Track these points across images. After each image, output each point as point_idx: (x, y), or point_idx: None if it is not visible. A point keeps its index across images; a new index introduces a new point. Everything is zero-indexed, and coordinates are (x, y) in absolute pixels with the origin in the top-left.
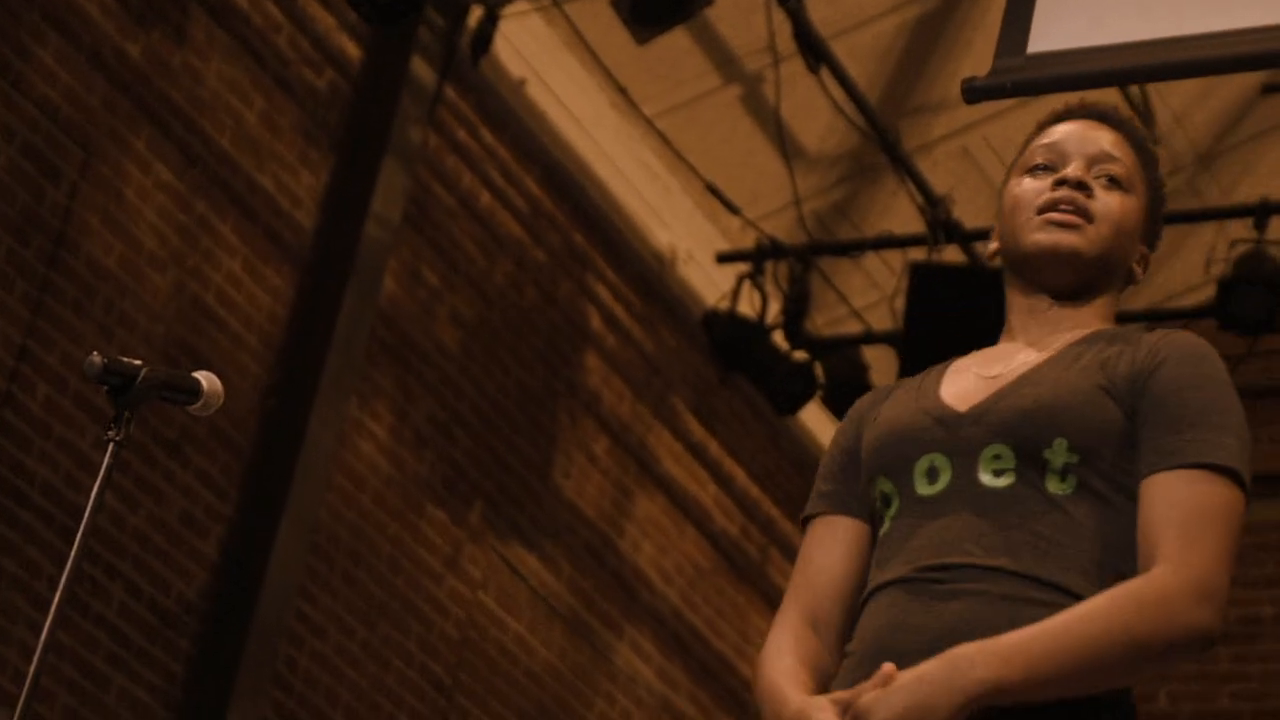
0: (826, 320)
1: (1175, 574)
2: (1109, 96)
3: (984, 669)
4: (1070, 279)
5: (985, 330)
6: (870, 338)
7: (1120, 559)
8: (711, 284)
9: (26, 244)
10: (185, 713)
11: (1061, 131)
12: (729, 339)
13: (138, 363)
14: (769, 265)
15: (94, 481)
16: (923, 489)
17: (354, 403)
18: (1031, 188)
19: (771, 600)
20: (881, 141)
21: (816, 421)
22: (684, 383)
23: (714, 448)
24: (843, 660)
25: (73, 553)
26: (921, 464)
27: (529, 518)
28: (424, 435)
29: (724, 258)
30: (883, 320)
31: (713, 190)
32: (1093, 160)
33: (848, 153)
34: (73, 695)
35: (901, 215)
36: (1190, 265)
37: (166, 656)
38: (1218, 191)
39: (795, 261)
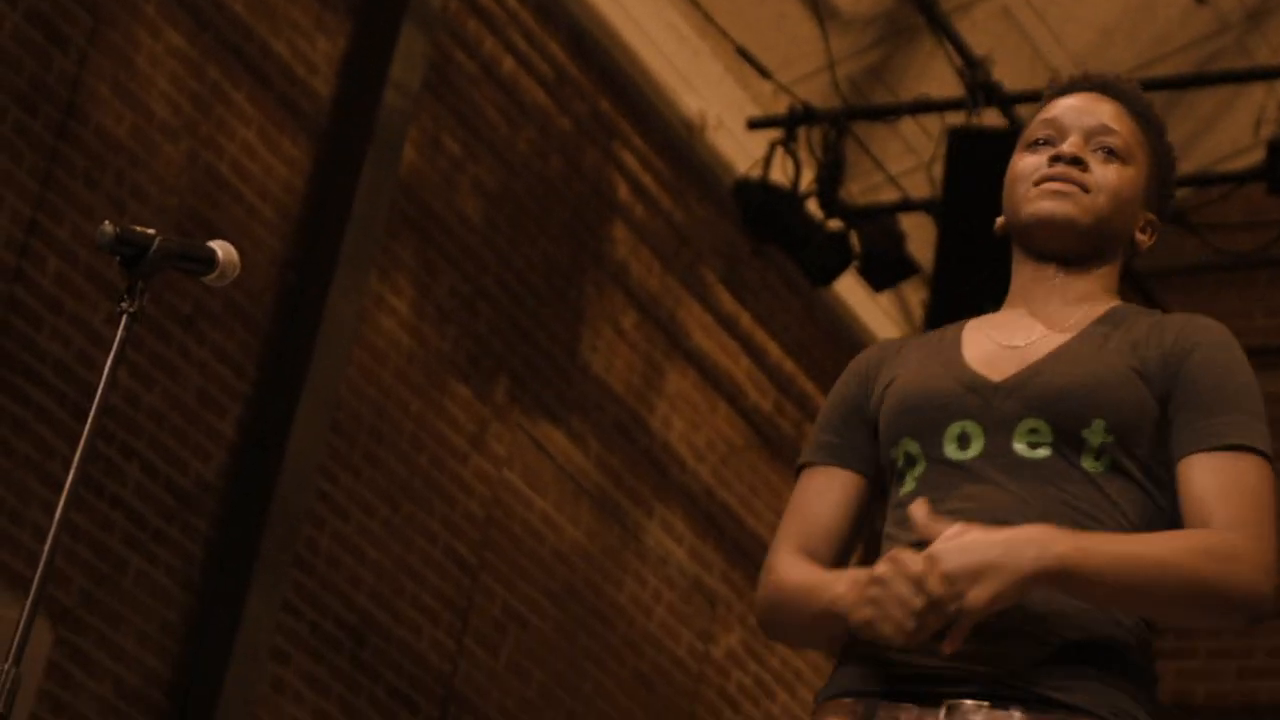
0: (862, 188)
1: (1243, 539)
2: None
3: (1059, 549)
4: (1069, 246)
5: None
6: (907, 205)
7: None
8: (742, 151)
9: (34, 114)
10: (204, 596)
11: (1061, 106)
12: (761, 208)
13: (151, 232)
14: (802, 131)
15: (107, 358)
16: (953, 453)
17: (374, 276)
18: (1030, 162)
19: None
20: (918, 1)
21: (852, 293)
22: (714, 253)
23: (746, 320)
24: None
25: (86, 431)
26: (953, 429)
27: (555, 394)
28: (447, 309)
29: (755, 124)
30: (920, 187)
31: (743, 54)
32: (1090, 133)
33: (883, 13)
34: (88, 578)
35: (939, 78)
36: (1239, 127)
37: (184, 538)
38: (1267, 50)
39: (829, 127)
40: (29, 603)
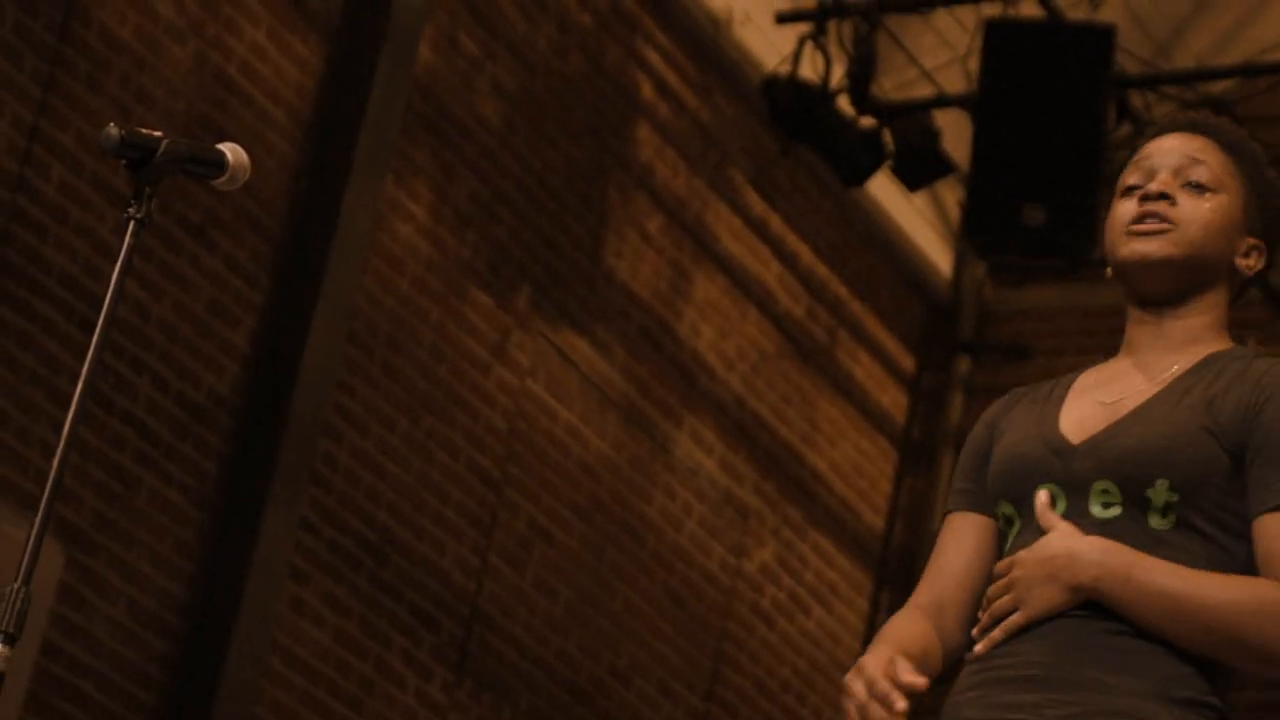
0: (895, 83)
1: None
2: None
3: (1095, 571)
4: (1164, 284)
5: (1066, 92)
6: (942, 101)
7: None
8: (771, 46)
9: (35, 15)
10: (219, 513)
11: (1150, 149)
12: (790, 106)
13: (158, 134)
14: (832, 25)
15: (114, 269)
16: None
17: (390, 181)
18: (1124, 208)
19: (839, 385)
20: None
21: (886, 193)
22: (743, 154)
23: (776, 223)
24: (967, 654)
25: (94, 345)
26: (1039, 492)
27: (579, 301)
28: (466, 215)
29: (784, 18)
30: (955, 82)
31: None
32: (1177, 170)
33: None
34: (100, 497)
35: None
36: None
37: (198, 454)
38: None
39: (861, 20)
40: (37, 522)
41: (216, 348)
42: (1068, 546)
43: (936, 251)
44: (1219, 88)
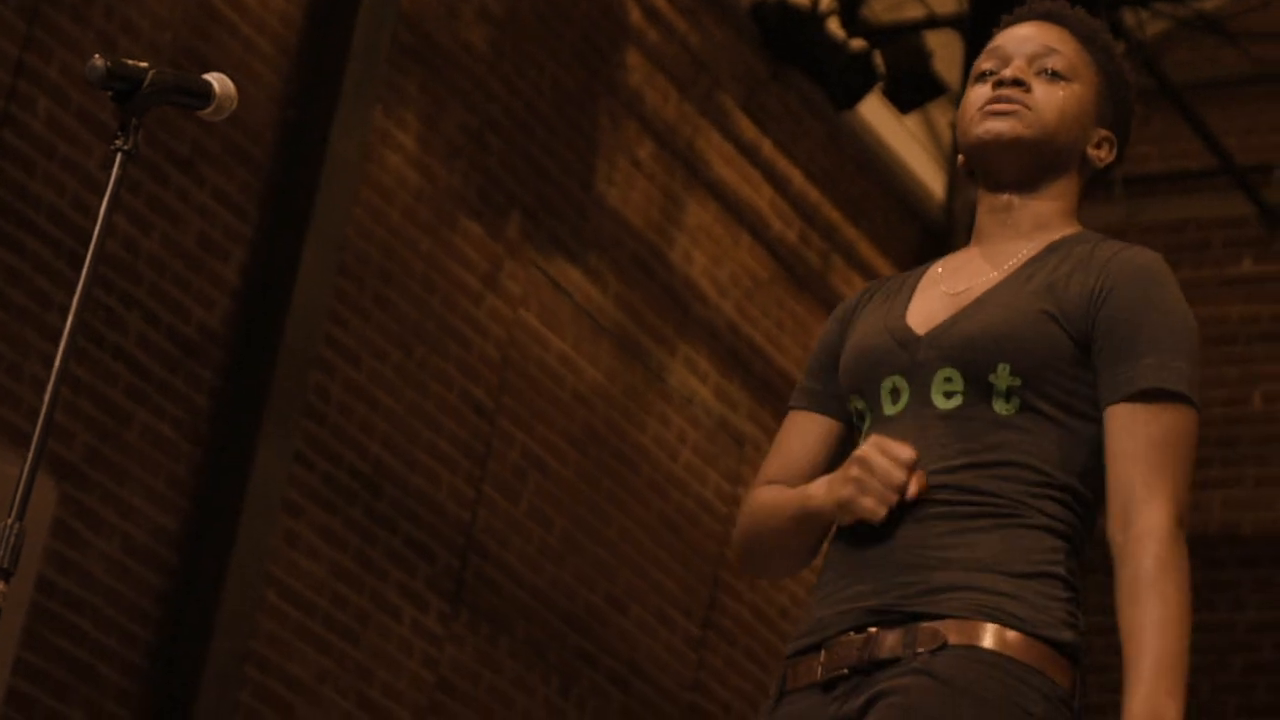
0: (885, 5)
1: (1166, 524)
2: None
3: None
4: (1015, 166)
5: None
6: (934, 22)
7: (1063, 471)
8: None
9: None
10: (212, 448)
11: (1005, 36)
12: (780, 29)
13: (144, 65)
14: None
15: (102, 202)
16: (888, 409)
17: (378, 111)
18: (977, 92)
19: (834, 310)
20: None
21: (878, 116)
22: (733, 78)
23: (767, 148)
24: (825, 558)
25: (83, 279)
26: (886, 384)
27: (570, 229)
28: (455, 144)
29: None
30: (946, 2)
31: None
32: (1033, 57)
33: None
34: (92, 432)
35: None
36: None
37: (189, 389)
38: None
39: None
40: (30, 457)
41: (206, 281)
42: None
43: (929, 174)
44: (1211, 4)
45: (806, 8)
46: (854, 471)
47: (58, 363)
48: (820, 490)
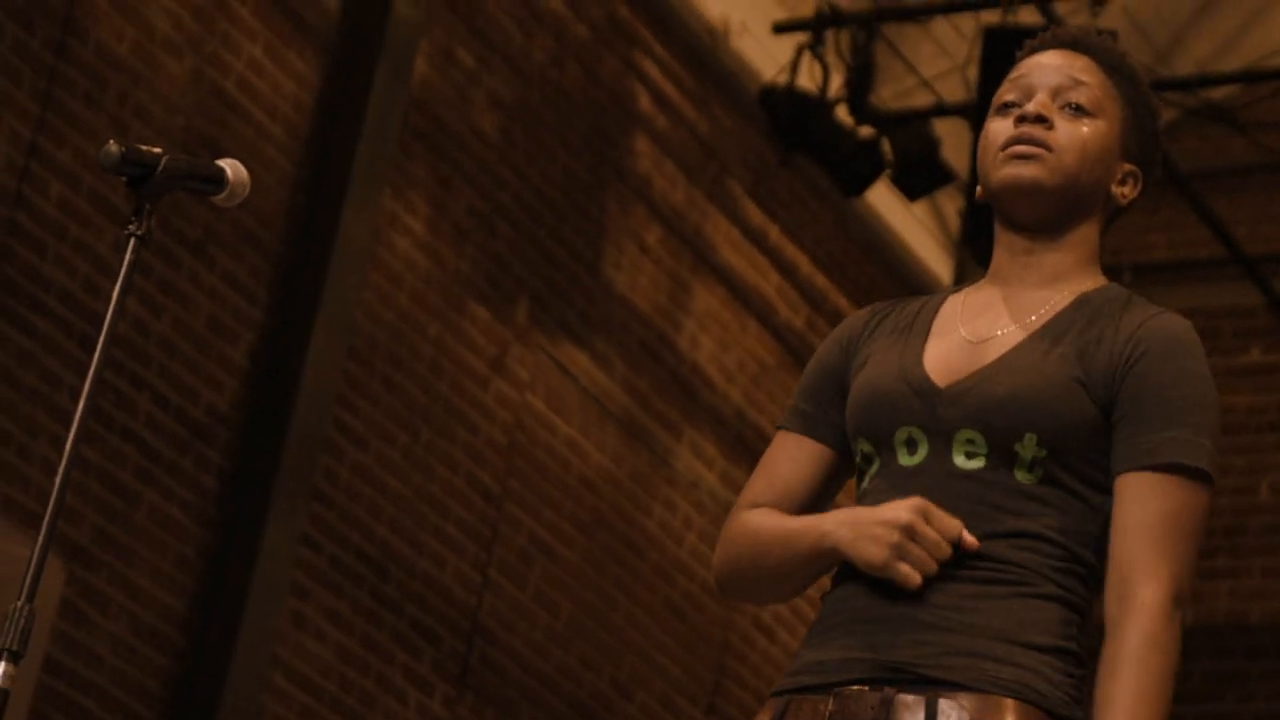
0: (894, 92)
1: (1163, 601)
2: None
3: None
4: (1037, 211)
5: None
6: (942, 110)
7: (1082, 546)
8: (768, 56)
9: (33, 32)
10: (220, 529)
11: (1028, 65)
12: (788, 116)
13: (157, 151)
14: (830, 34)
15: (114, 286)
16: (903, 459)
17: (388, 195)
18: (998, 127)
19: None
20: None
21: (885, 202)
22: (741, 165)
23: (775, 234)
24: (825, 600)
25: (95, 361)
26: (901, 434)
27: (578, 314)
28: (464, 228)
29: (781, 27)
30: (955, 91)
31: None
32: (1056, 91)
33: None
34: (101, 514)
35: None
36: None
37: (198, 470)
38: None
39: (858, 29)
40: (41, 538)
41: (216, 364)
42: None
43: (937, 261)
44: (1221, 93)
45: (815, 95)
46: (895, 538)
47: (70, 444)
48: (841, 535)
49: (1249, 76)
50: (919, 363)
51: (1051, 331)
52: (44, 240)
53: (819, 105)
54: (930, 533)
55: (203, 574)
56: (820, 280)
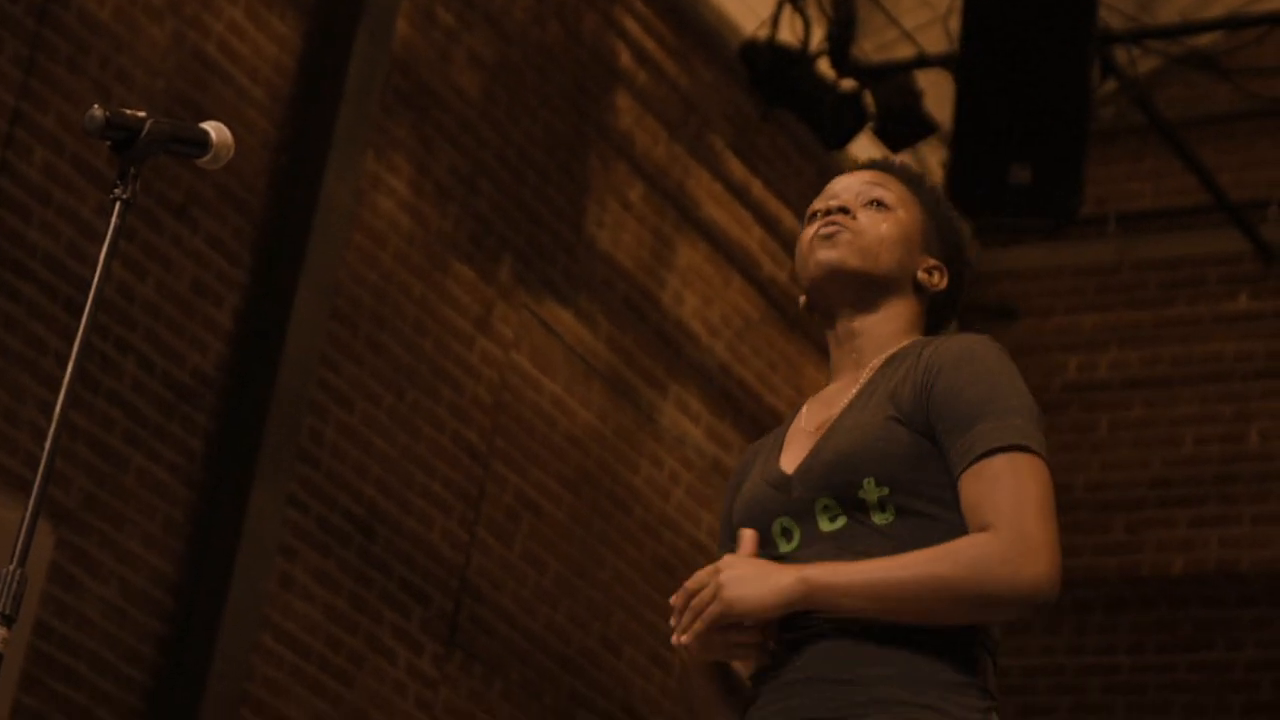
0: (875, 45)
1: (997, 535)
2: None
3: (806, 574)
4: (845, 290)
5: (1049, 49)
6: (924, 61)
7: None
8: (749, 10)
9: None
10: (207, 491)
11: (833, 183)
12: (770, 70)
13: (141, 114)
14: None
15: (98, 250)
16: (783, 547)
17: (370, 156)
18: (807, 231)
19: (825, 351)
20: None
21: (868, 155)
22: (723, 120)
23: (758, 189)
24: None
25: (82, 326)
26: (775, 527)
27: (562, 271)
28: (446, 188)
29: None
30: (937, 42)
31: None
32: (858, 194)
33: None
34: (89, 478)
35: None
36: None
37: (185, 433)
38: None
39: None
40: (31, 503)
41: (201, 326)
42: (768, 565)
43: None
44: (1204, 40)
45: (796, 49)
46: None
47: (58, 409)
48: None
49: (1232, 23)
50: (776, 464)
51: (866, 391)
52: (28, 206)
53: (800, 59)
54: (682, 604)
55: (191, 536)
56: None
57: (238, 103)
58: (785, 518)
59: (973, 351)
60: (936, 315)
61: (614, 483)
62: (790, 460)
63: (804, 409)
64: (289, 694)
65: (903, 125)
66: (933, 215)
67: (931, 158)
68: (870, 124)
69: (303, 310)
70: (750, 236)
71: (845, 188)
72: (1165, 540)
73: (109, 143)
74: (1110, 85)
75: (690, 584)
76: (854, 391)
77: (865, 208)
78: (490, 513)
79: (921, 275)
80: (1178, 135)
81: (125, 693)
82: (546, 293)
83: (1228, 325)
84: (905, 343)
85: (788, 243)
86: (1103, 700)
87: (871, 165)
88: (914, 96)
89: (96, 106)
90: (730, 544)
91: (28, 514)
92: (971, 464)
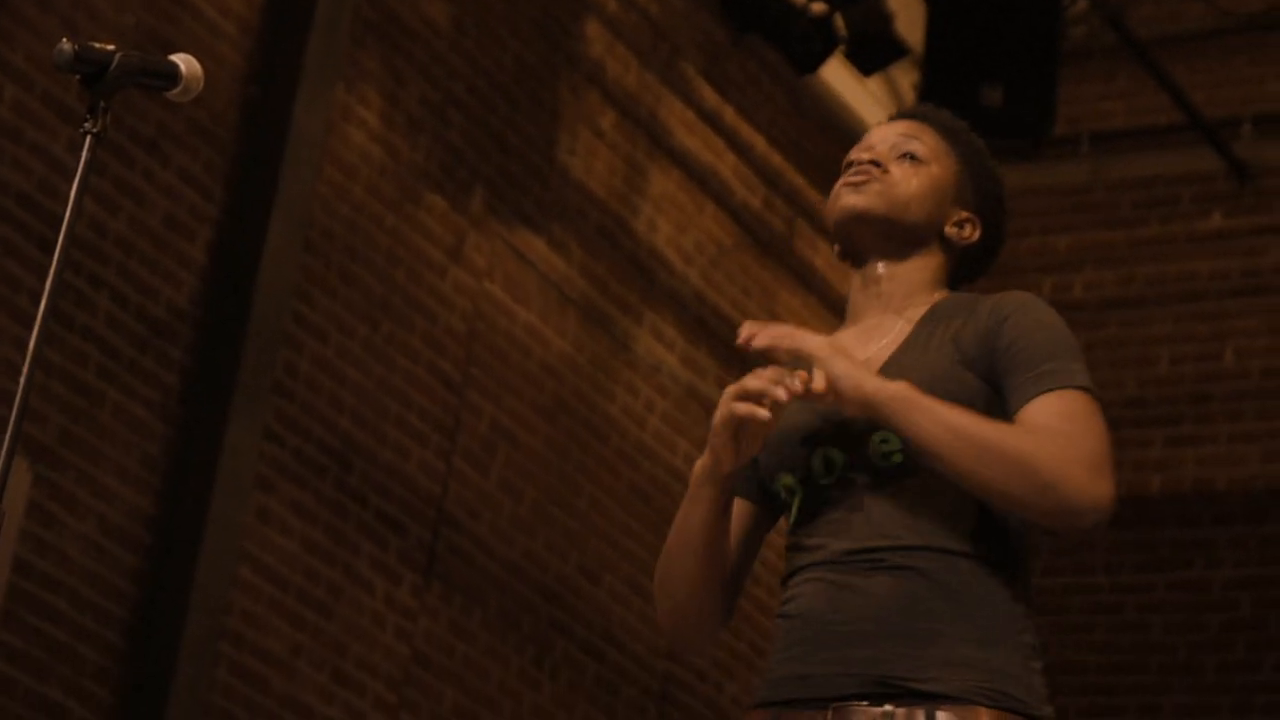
0: None
1: (1078, 446)
2: None
3: (893, 388)
4: (871, 236)
5: None
6: None
7: (1005, 517)
8: None
9: None
10: (183, 426)
11: (870, 134)
12: None
13: (110, 48)
14: None
15: (70, 187)
16: (823, 478)
17: (340, 88)
18: (839, 182)
19: (800, 275)
20: None
21: (839, 79)
22: (693, 46)
23: (730, 115)
24: (780, 621)
25: (54, 262)
26: (816, 457)
27: (534, 200)
28: (417, 119)
29: None
30: None
31: None
32: (893, 146)
33: None
34: (65, 415)
35: None
36: None
37: (160, 368)
38: None
39: None
40: (7, 441)
41: (174, 261)
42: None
43: None
44: None
45: None
46: (725, 403)
47: (32, 346)
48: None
49: None
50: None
51: (921, 333)
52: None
53: None
54: (756, 379)
55: (167, 471)
56: (776, 159)
57: (207, 36)
58: (829, 449)
59: (1038, 302)
60: (970, 266)
61: (590, 411)
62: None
63: None
64: (267, 626)
65: (874, 49)
66: (968, 166)
67: (903, 81)
68: (841, 48)
69: (275, 243)
70: (723, 163)
71: (880, 139)
72: (1141, 460)
73: (78, 77)
74: (1081, 4)
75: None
76: (898, 334)
77: (898, 160)
78: (466, 443)
79: (950, 229)
80: (1150, 54)
81: (105, 628)
82: (519, 222)
83: (1202, 244)
84: (938, 294)
85: (760, 168)
86: (1080, 620)
87: (910, 115)
88: (885, 20)
89: (65, 40)
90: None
91: (4, 451)
92: (1049, 390)
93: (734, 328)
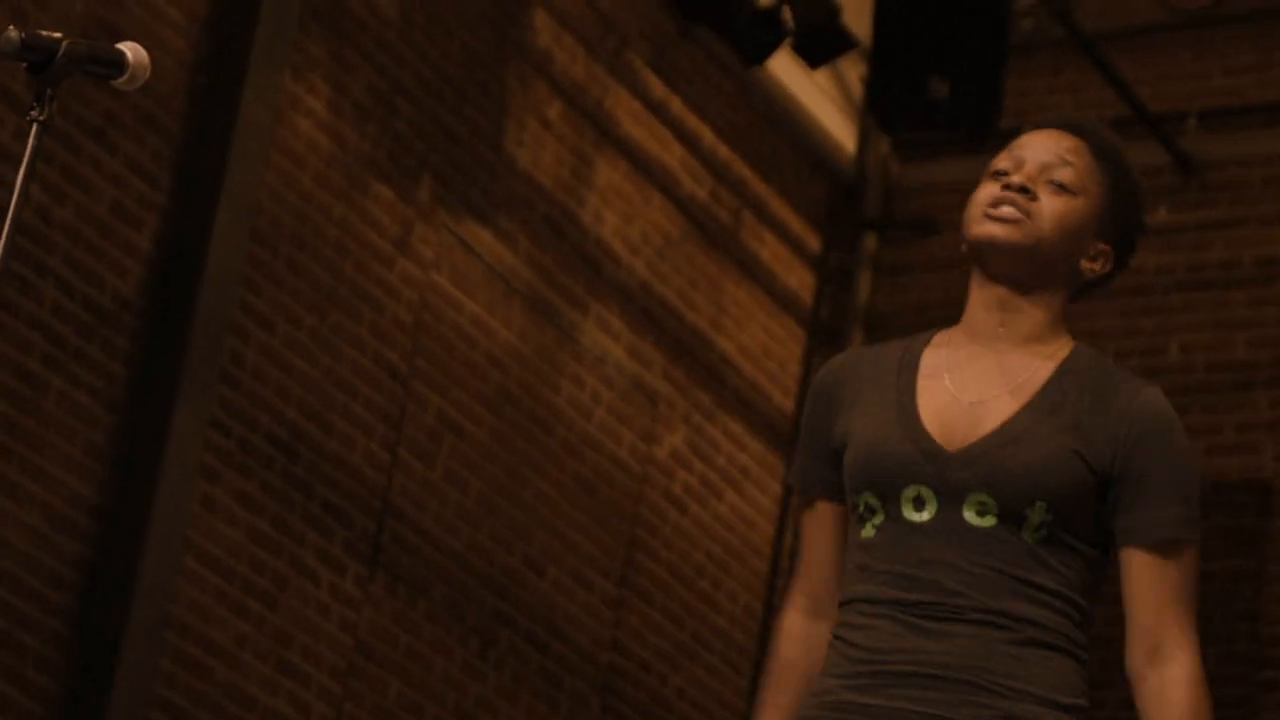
0: None
1: (1198, 672)
2: None
3: None
4: (1007, 268)
5: None
6: None
7: (1079, 594)
8: None
9: None
10: (128, 414)
11: (1025, 141)
12: None
13: (57, 35)
14: None
15: (16, 175)
16: (910, 514)
17: (288, 76)
18: (986, 190)
19: (746, 267)
20: None
21: (787, 72)
22: (641, 37)
23: (677, 106)
24: (843, 645)
25: (0, 249)
26: (909, 492)
27: (481, 191)
28: (365, 108)
29: None
30: None
31: None
32: (1044, 167)
33: None
34: (9, 402)
35: None
36: None
37: (105, 357)
38: None
39: None
40: None
41: (120, 249)
42: None
43: (840, 129)
44: None
45: None
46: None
47: None
48: None
49: None
50: (918, 419)
51: (1046, 402)
52: None
53: None
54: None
55: (113, 460)
56: (723, 151)
57: (153, 23)
58: (925, 488)
59: (1171, 421)
60: (1087, 288)
61: (535, 402)
62: (941, 428)
63: (929, 354)
64: (212, 616)
65: (822, 41)
66: (1116, 194)
67: (851, 73)
68: (789, 40)
69: (222, 232)
70: (670, 154)
71: (1034, 155)
72: None
73: (25, 65)
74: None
75: None
76: (1023, 387)
77: (1047, 187)
78: (412, 433)
79: (1084, 263)
80: (1096, 48)
81: (48, 617)
82: (466, 212)
83: (1148, 238)
84: (1066, 344)
85: (707, 160)
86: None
87: (1069, 126)
88: (832, 12)
89: (12, 28)
90: (819, 461)
91: None
92: (1158, 543)
93: (680, 319)
